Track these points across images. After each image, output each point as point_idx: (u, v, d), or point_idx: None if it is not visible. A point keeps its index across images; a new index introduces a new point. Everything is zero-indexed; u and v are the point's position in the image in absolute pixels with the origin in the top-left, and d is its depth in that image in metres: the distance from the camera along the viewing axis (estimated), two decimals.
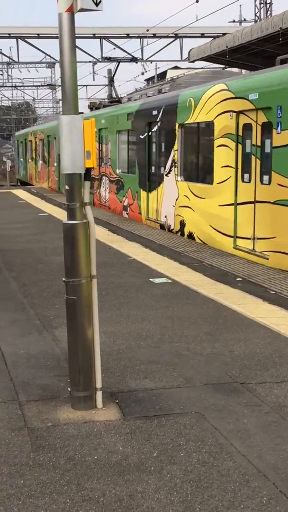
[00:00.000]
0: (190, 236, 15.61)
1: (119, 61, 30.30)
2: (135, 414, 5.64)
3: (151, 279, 10.91)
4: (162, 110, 17.38)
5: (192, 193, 15.58)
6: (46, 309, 9.13)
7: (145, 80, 59.20)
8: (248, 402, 5.85)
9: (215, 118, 13.96)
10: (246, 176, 12.84)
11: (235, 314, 8.74)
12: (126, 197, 20.93)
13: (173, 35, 33.43)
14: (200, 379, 6.43)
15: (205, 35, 33.37)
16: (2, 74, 52.48)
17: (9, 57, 38.86)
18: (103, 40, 34.32)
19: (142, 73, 39.63)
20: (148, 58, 35.85)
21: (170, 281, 10.78)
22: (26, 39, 34.13)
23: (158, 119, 17.72)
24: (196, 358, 7.02)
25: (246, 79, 13.60)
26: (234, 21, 44.93)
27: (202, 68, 32.70)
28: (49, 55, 38.77)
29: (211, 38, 29.81)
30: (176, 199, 16.49)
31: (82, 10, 5.49)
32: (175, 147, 16.52)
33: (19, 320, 8.65)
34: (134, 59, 31.71)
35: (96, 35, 33.99)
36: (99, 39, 34.35)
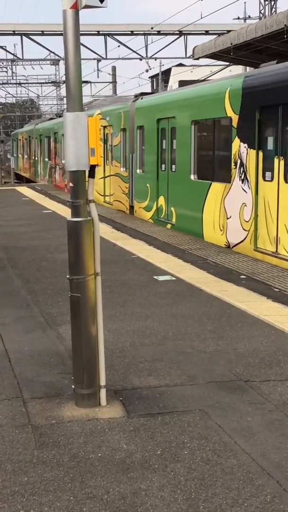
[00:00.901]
0: None
1: None
2: (139, 411, 5.64)
3: (155, 277, 10.90)
4: None
5: None
6: (50, 306, 9.13)
7: (149, 78, 59.17)
8: (252, 400, 5.84)
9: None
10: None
11: (239, 312, 8.73)
12: None
13: (178, 32, 33.37)
14: (204, 377, 6.42)
15: (210, 32, 33.29)
16: (6, 71, 52.51)
17: (13, 54, 38.83)
18: (107, 37, 34.28)
19: (147, 70, 39.56)
20: (152, 55, 35.80)
21: (174, 278, 10.77)
22: (31, 36, 34.10)
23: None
24: (200, 356, 7.02)
25: (103, 109, 24.17)
26: (238, 18, 44.91)
27: (207, 65, 32.65)
28: (53, 52, 38.74)
29: (216, 36, 29.76)
30: None
31: (86, 7, 5.48)
32: None
33: (23, 317, 8.65)
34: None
35: (100, 32, 33.93)
36: (103, 36, 34.30)
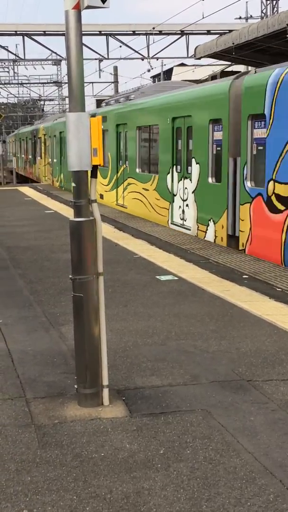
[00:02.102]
0: None
1: None
2: (142, 411, 5.64)
3: (157, 277, 10.91)
4: None
5: None
6: (52, 306, 9.14)
7: (151, 77, 59.19)
8: (254, 400, 5.84)
9: None
10: None
11: (241, 311, 8.73)
12: None
13: (179, 32, 33.34)
14: (206, 376, 6.43)
15: (211, 32, 33.26)
16: (8, 72, 52.54)
17: (15, 54, 38.83)
18: (109, 37, 34.26)
19: (148, 70, 39.57)
20: (154, 55, 35.78)
21: (176, 278, 10.78)
22: (32, 36, 34.09)
23: None
24: (203, 356, 7.02)
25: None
26: (240, 18, 44.88)
27: (208, 65, 32.64)
28: (55, 52, 38.73)
29: (217, 35, 29.76)
30: None
31: (88, 7, 5.48)
32: None
33: (26, 317, 8.66)
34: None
35: (102, 32, 33.90)
36: (105, 37, 34.29)
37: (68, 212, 20.30)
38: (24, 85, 59.06)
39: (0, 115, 36.97)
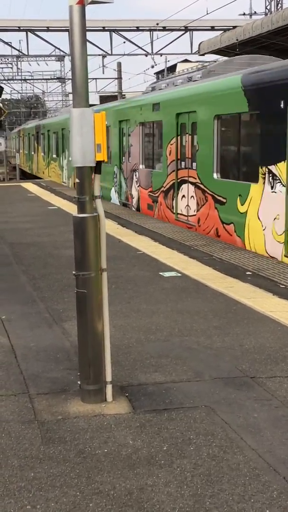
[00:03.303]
0: None
1: None
2: (145, 407, 5.64)
3: (160, 273, 10.90)
4: None
5: None
6: (55, 303, 9.14)
7: (154, 74, 59.12)
8: (258, 396, 5.84)
9: None
10: None
11: (245, 308, 8.72)
12: None
13: (183, 28, 33.33)
14: (210, 373, 6.42)
15: (215, 28, 33.25)
16: (11, 68, 52.53)
17: (18, 50, 38.86)
18: (113, 33, 34.24)
19: (152, 66, 39.51)
20: (158, 51, 35.75)
21: (179, 275, 10.77)
22: (36, 32, 34.09)
23: None
24: (206, 352, 7.01)
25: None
26: (244, 14, 44.75)
27: (212, 61, 32.60)
28: (58, 48, 38.70)
29: (221, 31, 29.72)
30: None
31: (93, 2, 5.47)
32: None
33: (29, 313, 8.66)
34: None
35: (106, 28, 33.92)
36: (108, 32, 34.27)
37: (71, 208, 20.29)
38: (28, 81, 59.09)
39: (3, 111, 36.94)
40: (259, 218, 12.63)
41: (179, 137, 16.90)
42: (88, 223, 5.60)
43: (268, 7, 38.22)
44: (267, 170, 12.16)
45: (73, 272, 5.71)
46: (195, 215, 15.85)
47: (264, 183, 12.29)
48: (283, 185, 11.63)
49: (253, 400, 5.76)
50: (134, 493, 4.31)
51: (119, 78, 48.57)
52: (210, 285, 9.96)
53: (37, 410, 5.63)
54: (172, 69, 55.46)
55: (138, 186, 20.48)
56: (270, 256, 12.12)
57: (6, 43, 36.46)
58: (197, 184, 15.56)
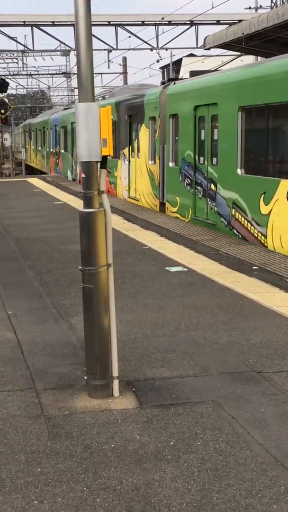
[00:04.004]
0: None
1: None
2: (152, 402, 5.63)
3: (167, 268, 10.89)
4: None
5: None
6: (62, 298, 9.14)
7: (160, 68, 59.01)
8: (265, 391, 5.82)
9: None
10: None
11: (251, 302, 8.70)
12: None
13: (189, 22, 33.20)
14: (216, 367, 6.41)
15: (221, 22, 33.10)
16: (17, 63, 52.49)
17: (24, 45, 38.77)
18: (118, 27, 34.15)
19: (158, 61, 39.40)
20: (163, 45, 35.65)
21: (186, 269, 10.75)
22: (41, 27, 34.02)
23: None
24: (213, 347, 7.00)
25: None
26: (250, 7, 44.62)
27: (218, 55, 32.52)
28: (64, 43, 38.59)
29: (227, 25, 29.61)
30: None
31: None
32: None
33: (35, 308, 8.66)
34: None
35: (111, 23, 33.81)
36: (114, 27, 34.18)
37: (77, 203, 20.29)
38: (33, 76, 59.03)
39: (9, 106, 36.90)
40: None
41: None
42: (94, 218, 5.58)
43: (274, 1, 38.09)
44: None
45: (79, 267, 5.71)
46: None
47: None
48: None
49: (260, 395, 5.75)
50: (141, 488, 4.31)
51: (125, 72, 48.50)
52: (216, 280, 9.94)
53: (44, 405, 5.63)
54: (177, 63, 55.33)
55: None
56: None
57: (12, 38, 36.38)
58: None
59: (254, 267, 10.79)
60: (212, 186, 15.37)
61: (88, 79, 5.50)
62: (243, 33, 18.94)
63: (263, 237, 12.95)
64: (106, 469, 4.57)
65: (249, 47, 20.55)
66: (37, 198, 23.23)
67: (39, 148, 45.44)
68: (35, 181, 31.52)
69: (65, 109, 38.85)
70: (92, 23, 5.62)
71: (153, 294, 9.21)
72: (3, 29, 34.05)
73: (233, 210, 14.26)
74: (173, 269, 10.80)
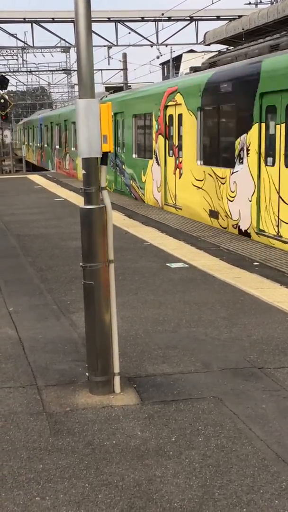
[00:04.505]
0: None
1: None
2: (153, 399, 5.64)
3: (167, 264, 10.89)
4: None
5: None
6: (63, 294, 9.14)
7: (160, 64, 58.98)
8: (266, 387, 5.83)
9: None
10: None
11: (252, 298, 8.70)
12: None
13: (189, 18, 33.15)
14: (218, 364, 6.41)
15: (221, 17, 33.04)
16: (17, 59, 52.40)
17: (24, 42, 38.72)
18: (118, 23, 34.10)
19: (158, 57, 39.39)
20: (163, 41, 35.60)
21: (187, 266, 10.75)
22: (41, 24, 33.97)
23: None
24: (214, 343, 7.00)
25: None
26: (250, 3, 44.59)
27: (218, 51, 32.45)
28: (64, 40, 38.60)
29: (227, 21, 29.55)
30: None
31: None
32: None
33: (36, 305, 8.66)
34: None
35: (111, 19, 33.75)
36: (114, 23, 34.13)
37: (78, 200, 20.28)
38: (33, 72, 58.96)
39: (9, 103, 36.84)
40: None
41: None
42: (95, 214, 5.58)
43: None
44: None
45: (80, 264, 5.71)
46: None
47: None
48: None
49: (262, 390, 5.75)
50: (143, 484, 4.31)
51: (125, 69, 48.42)
52: (217, 276, 9.94)
53: (45, 402, 5.64)
54: (177, 59, 55.29)
55: None
56: None
57: (11, 34, 36.33)
58: None
59: (255, 263, 10.79)
60: (123, 166, 23.10)
61: (88, 76, 5.49)
62: (243, 29, 18.92)
63: (143, 196, 20.81)
64: (107, 465, 4.57)
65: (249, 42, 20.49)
66: (37, 195, 23.23)
67: (30, 143, 52.13)
68: (35, 178, 31.51)
69: (51, 110, 47.59)
70: (92, 19, 5.61)
71: (154, 291, 9.21)
72: (3, 25, 34.01)
73: (131, 180, 22.13)
74: (174, 265, 10.80)
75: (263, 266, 10.54)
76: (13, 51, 48.67)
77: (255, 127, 12.95)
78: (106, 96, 25.82)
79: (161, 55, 38.13)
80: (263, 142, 12.73)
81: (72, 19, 5.61)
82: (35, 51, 47.37)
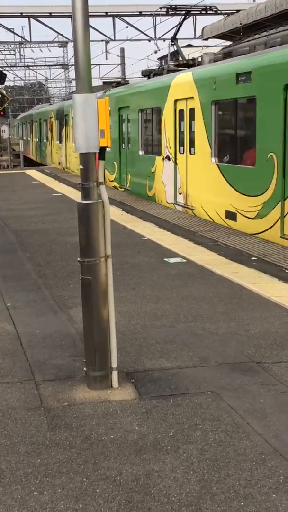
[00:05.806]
0: None
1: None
2: (151, 393, 5.64)
3: (165, 259, 10.88)
4: None
5: None
6: (61, 289, 9.14)
7: (158, 59, 58.86)
8: (264, 382, 5.83)
9: None
10: None
11: (250, 293, 8.71)
12: None
13: (185, 11, 33.05)
14: (215, 358, 6.42)
15: (219, 12, 33.00)
16: (14, 54, 52.23)
17: (21, 37, 38.69)
18: (116, 18, 34.06)
19: (155, 52, 39.28)
20: (161, 36, 35.54)
21: (184, 260, 10.75)
22: (38, 18, 33.92)
23: None
24: (212, 338, 7.01)
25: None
26: None
27: (216, 45, 32.39)
28: (61, 34, 38.52)
29: (225, 15, 29.49)
30: None
31: None
32: None
33: (34, 300, 8.66)
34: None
35: (109, 14, 33.72)
36: (111, 18, 34.09)
37: (75, 195, 20.26)
38: (31, 67, 58.79)
39: (7, 98, 36.78)
40: None
41: None
42: (92, 209, 5.58)
43: None
44: None
45: (78, 259, 5.70)
46: None
47: None
48: None
49: (259, 385, 5.76)
50: (141, 478, 4.32)
51: (123, 63, 48.32)
52: (215, 271, 9.95)
53: (43, 396, 5.64)
54: (175, 54, 55.14)
55: None
56: None
57: (9, 29, 36.26)
58: None
59: (253, 258, 10.79)
60: None
61: (86, 71, 5.48)
62: (241, 23, 18.90)
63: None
64: (105, 460, 4.58)
65: (247, 37, 20.49)
66: (35, 190, 23.20)
67: (24, 137, 57.40)
68: (33, 173, 31.46)
69: (41, 107, 50.76)
70: (90, 13, 5.60)
71: (152, 286, 9.21)
72: (0, 20, 33.92)
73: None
74: (172, 260, 10.81)
75: (261, 261, 10.55)
76: (10, 46, 48.47)
77: None
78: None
79: (159, 50, 38.07)
80: None
81: (70, 14, 5.61)
82: (32, 46, 47.22)
